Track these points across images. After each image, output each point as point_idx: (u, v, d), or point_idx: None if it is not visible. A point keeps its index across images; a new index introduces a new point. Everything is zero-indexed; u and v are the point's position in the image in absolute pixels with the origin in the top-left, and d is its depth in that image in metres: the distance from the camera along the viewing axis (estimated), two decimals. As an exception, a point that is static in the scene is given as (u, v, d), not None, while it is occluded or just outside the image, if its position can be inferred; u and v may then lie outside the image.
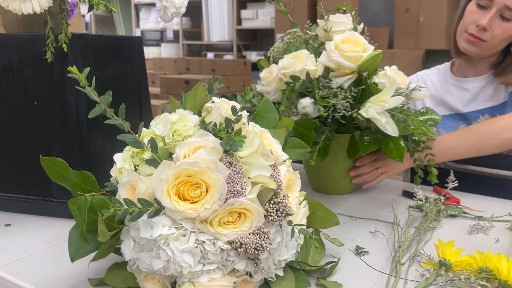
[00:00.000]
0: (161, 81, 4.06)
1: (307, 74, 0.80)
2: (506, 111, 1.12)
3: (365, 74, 0.79)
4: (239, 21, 4.90)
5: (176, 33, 5.69)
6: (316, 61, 0.84)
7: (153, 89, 4.29)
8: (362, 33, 0.88)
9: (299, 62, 0.81)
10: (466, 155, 0.96)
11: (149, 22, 5.87)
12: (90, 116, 0.46)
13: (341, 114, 0.76)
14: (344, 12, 0.91)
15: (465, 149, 0.94)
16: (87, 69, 0.44)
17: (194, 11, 5.41)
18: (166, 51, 5.75)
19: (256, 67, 1.09)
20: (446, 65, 1.24)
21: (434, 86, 1.21)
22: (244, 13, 4.76)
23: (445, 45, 3.33)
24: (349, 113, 0.76)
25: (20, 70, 0.78)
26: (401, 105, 0.85)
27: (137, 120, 0.93)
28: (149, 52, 5.88)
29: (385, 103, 0.74)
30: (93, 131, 0.78)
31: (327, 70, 0.82)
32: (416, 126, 0.73)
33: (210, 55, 5.26)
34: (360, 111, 0.75)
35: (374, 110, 0.73)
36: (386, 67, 0.81)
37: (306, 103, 0.78)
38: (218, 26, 5.18)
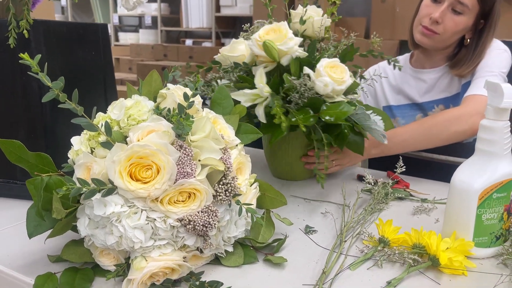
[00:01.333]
0: (138, 67, 4.05)
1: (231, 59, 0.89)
2: (459, 102, 1.18)
3: (284, 64, 0.84)
4: (218, 8, 4.89)
5: (154, 19, 5.63)
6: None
7: (129, 75, 4.27)
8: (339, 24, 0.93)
9: (231, 50, 0.89)
10: (418, 148, 1.01)
11: (127, 7, 5.78)
12: (43, 101, 0.48)
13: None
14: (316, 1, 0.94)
15: (416, 142, 0.99)
16: (38, 56, 0.46)
17: (173, -3, 5.36)
18: (144, 37, 5.69)
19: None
20: (406, 56, 1.29)
21: (394, 76, 1.27)
22: (223, 0, 4.74)
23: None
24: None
25: (-17, 55, 0.79)
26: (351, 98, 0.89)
27: (102, 107, 0.96)
28: (127, 38, 5.82)
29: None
30: (57, 116, 0.81)
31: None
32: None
33: (189, 42, 5.23)
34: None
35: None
36: (323, 59, 0.83)
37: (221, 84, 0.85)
38: (197, 13, 5.15)
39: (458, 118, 0.96)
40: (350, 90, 0.87)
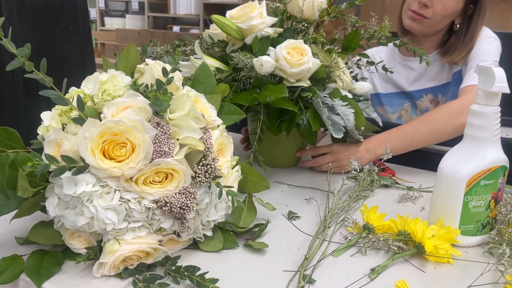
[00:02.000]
0: (124, 52, 3.96)
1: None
2: (449, 92, 1.17)
3: (248, 43, 0.83)
4: (206, -5, 4.82)
5: (141, 4, 5.53)
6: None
7: (114, 61, 4.18)
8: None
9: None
10: (425, 144, 0.98)
11: (113, -9, 5.67)
12: (8, 69, 0.45)
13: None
14: None
15: (424, 139, 0.95)
16: (2, 19, 0.43)
17: (161, -18, 5.26)
18: (131, 22, 5.59)
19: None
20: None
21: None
22: (212, -13, 4.68)
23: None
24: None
25: (-49, 26, 0.74)
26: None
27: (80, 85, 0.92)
28: (113, 23, 5.71)
29: None
30: (30, 92, 0.77)
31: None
32: None
33: (176, 28, 5.16)
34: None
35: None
36: (288, 40, 0.80)
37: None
38: (185, -1, 5.08)
39: (460, 110, 0.94)
40: (318, 76, 0.83)
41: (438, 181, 0.65)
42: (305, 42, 0.83)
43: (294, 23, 0.90)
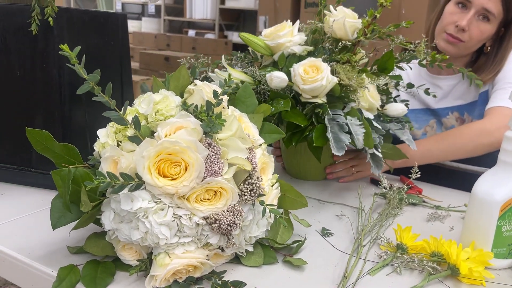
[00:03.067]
0: (141, 56, 4.01)
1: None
2: (475, 111, 1.18)
3: (276, 59, 0.88)
4: (222, 0, 4.86)
5: (158, 8, 5.60)
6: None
7: (132, 64, 4.24)
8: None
9: None
10: (442, 158, 1.00)
11: (130, -6, 5.75)
12: (79, 93, 0.48)
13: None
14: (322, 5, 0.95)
15: (441, 153, 0.98)
16: (78, 48, 0.46)
17: (178, -13, 5.32)
18: (147, 25, 5.66)
19: (237, 48, 1.15)
20: (421, 61, 1.29)
21: (409, 80, 1.26)
22: (228, -7, 4.72)
23: (423, 39, 3.42)
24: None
25: (4, 40, 0.78)
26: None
27: (118, 97, 0.95)
28: (129, 26, 5.76)
29: None
30: (75, 105, 0.80)
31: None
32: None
33: (192, 32, 5.21)
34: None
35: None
36: (308, 58, 0.83)
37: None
38: (201, 4, 5.12)
39: (484, 131, 0.96)
40: (334, 93, 0.84)
41: (471, 204, 0.67)
42: (330, 61, 0.86)
43: (324, 42, 0.93)
